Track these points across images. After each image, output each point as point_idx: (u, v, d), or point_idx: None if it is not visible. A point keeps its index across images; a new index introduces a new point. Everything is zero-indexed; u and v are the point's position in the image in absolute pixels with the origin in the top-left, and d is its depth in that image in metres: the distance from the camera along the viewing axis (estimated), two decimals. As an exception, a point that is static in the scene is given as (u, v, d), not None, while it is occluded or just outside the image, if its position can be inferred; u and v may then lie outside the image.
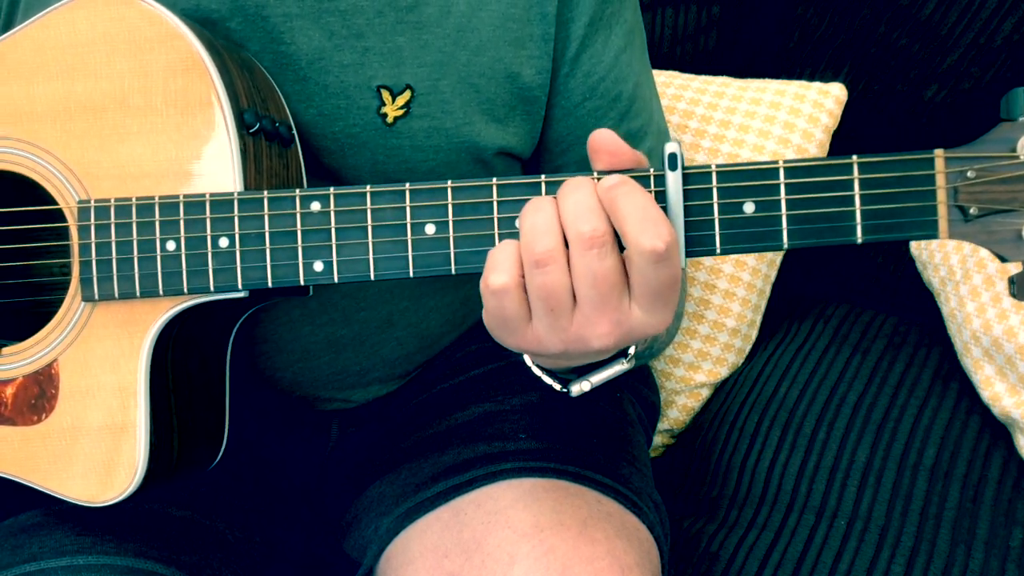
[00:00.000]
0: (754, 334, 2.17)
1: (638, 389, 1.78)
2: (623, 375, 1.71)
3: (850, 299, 2.26)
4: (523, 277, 1.09)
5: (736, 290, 2.09)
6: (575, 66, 1.51)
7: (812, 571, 1.68)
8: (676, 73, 2.29)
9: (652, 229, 1.04)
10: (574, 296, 1.08)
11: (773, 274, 2.16)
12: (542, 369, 1.27)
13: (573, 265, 1.07)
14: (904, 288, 2.26)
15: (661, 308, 1.09)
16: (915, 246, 2.09)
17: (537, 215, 1.08)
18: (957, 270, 1.96)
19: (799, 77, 2.33)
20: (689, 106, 2.18)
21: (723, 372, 2.14)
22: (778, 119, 2.12)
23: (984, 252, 1.91)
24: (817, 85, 2.18)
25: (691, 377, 2.13)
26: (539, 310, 1.09)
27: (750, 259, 2.09)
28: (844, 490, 1.78)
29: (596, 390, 1.61)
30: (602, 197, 1.08)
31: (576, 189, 1.09)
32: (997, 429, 1.88)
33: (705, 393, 2.14)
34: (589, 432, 1.55)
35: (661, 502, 1.55)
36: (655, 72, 2.24)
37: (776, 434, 1.90)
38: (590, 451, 1.50)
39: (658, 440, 2.15)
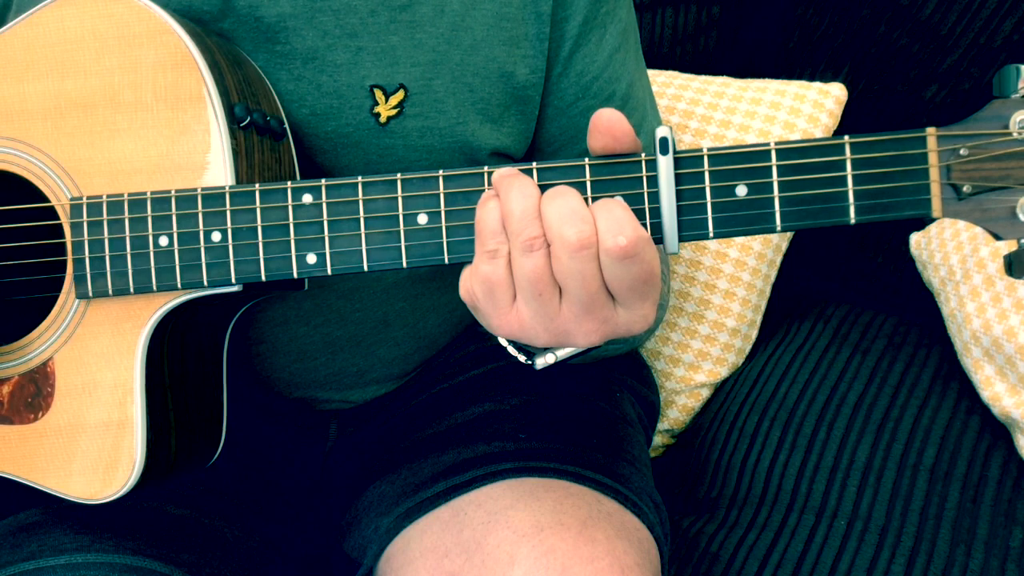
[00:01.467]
0: (754, 334, 2.17)
1: (638, 389, 1.78)
2: (618, 373, 1.73)
3: (850, 299, 2.26)
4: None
5: (736, 290, 2.09)
6: (568, 65, 1.51)
7: (812, 571, 1.68)
8: (676, 73, 2.29)
9: (615, 228, 1.06)
10: (559, 286, 1.09)
11: (773, 274, 2.16)
12: (508, 341, 1.27)
13: (560, 267, 1.08)
14: (904, 288, 2.26)
15: (640, 303, 1.11)
16: (915, 246, 2.09)
17: (526, 201, 1.09)
18: (957, 270, 1.96)
19: (799, 77, 2.33)
20: (689, 106, 2.18)
21: (723, 372, 2.13)
22: (778, 119, 2.12)
23: (984, 252, 1.91)
24: (817, 85, 2.18)
25: (691, 377, 2.13)
26: (527, 294, 1.10)
27: (750, 259, 2.09)
28: (844, 490, 1.78)
29: (595, 389, 1.63)
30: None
31: (561, 195, 1.10)
32: (997, 429, 1.88)
33: (705, 393, 2.14)
34: (589, 432, 1.55)
35: (661, 502, 1.55)
36: (656, 72, 2.25)
37: (776, 434, 1.90)
38: (590, 451, 1.50)
39: (658, 440, 2.15)
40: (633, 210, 1.10)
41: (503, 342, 1.26)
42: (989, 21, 2.13)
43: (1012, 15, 2.10)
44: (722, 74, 2.32)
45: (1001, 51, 2.12)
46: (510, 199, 1.09)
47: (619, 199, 1.10)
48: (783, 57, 2.43)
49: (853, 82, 2.29)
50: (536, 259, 1.08)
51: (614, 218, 1.06)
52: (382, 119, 1.42)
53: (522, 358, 1.27)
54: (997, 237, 1.08)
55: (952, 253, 1.98)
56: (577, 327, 1.11)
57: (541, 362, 1.23)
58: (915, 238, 2.10)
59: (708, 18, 2.45)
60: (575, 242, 1.06)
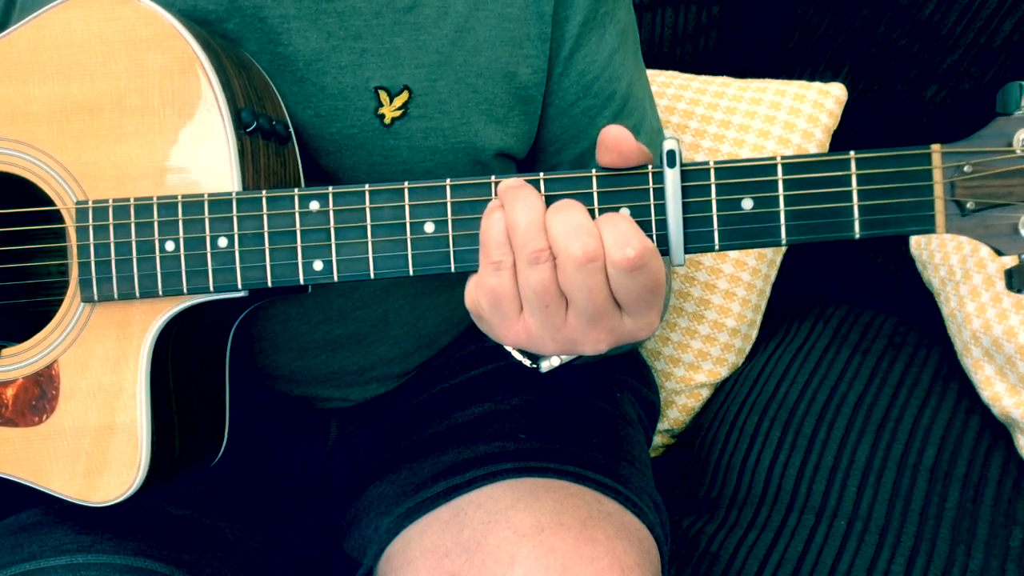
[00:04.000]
0: (754, 334, 2.17)
1: (638, 389, 1.78)
2: (618, 373, 1.73)
3: (850, 299, 2.26)
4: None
5: (736, 290, 2.09)
6: (569, 65, 1.52)
7: (812, 571, 1.68)
8: (676, 73, 2.29)
9: (622, 240, 1.06)
10: (566, 297, 1.10)
11: (773, 274, 2.16)
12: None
13: (566, 280, 1.08)
14: (904, 288, 2.27)
15: (647, 312, 1.11)
16: (915, 246, 2.10)
17: (532, 214, 1.09)
18: (957, 270, 1.96)
19: (799, 77, 2.33)
20: (689, 106, 2.18)
21: (723, 372, 2.14)
22: (778, 119, 2.12)
23: (984, 252, 1.91)
24: (817, 85, 2.18)
25: (691, 377, 2.13)
26: (533, 305, 1.10)
27: (750, 259, 2.09)
28: (844, 490, 1.78)
29: (595, 390, 1.63)
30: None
31: (566, 208, 1.10)
32: (997, 429, 1.88)
33: (705, 393, 2.14)
34: (589, 432, 1.55)
35: (661, 502, 1.55)
36: (656, 72, 2.25)
37: (776, 434, 1.90)
38: (590, 451, 1.50)
39: (658, 440, 2.15)
40: (639, 222, 1.11)
41: (507, 347, 1.26)
42: (989, 21, 2.13)
43: (1012, 15, 2.10)
44: (722, 74, 2.32)
45: (1001, 51, 2.12)
46: (515, 211, 1.10)
47: (624, 212, 1.11)
48: (783, 57, 2.43)
49: (853, 82, 2.29)
50: (542, 271, 1.08)
51: (620, 231, 1.07)
52: (386, 120, 1.42)
53: (527, 362, 1.27)
54: (999, 253, 1.09)
55: (952, 253, 1.98)
56: (584, 337, 1.11)
57: (546, 365, 1.24)
58: (915, 238, 2.11)
59: (708, 18, 2.45)
60: (581, 256, 1.06)
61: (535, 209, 1.09)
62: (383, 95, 1.42)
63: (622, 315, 1.11)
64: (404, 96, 1.43)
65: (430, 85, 1.44)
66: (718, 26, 2.47)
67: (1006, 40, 2.12)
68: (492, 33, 1.46)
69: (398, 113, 1.43)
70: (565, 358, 1.24)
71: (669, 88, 2.22)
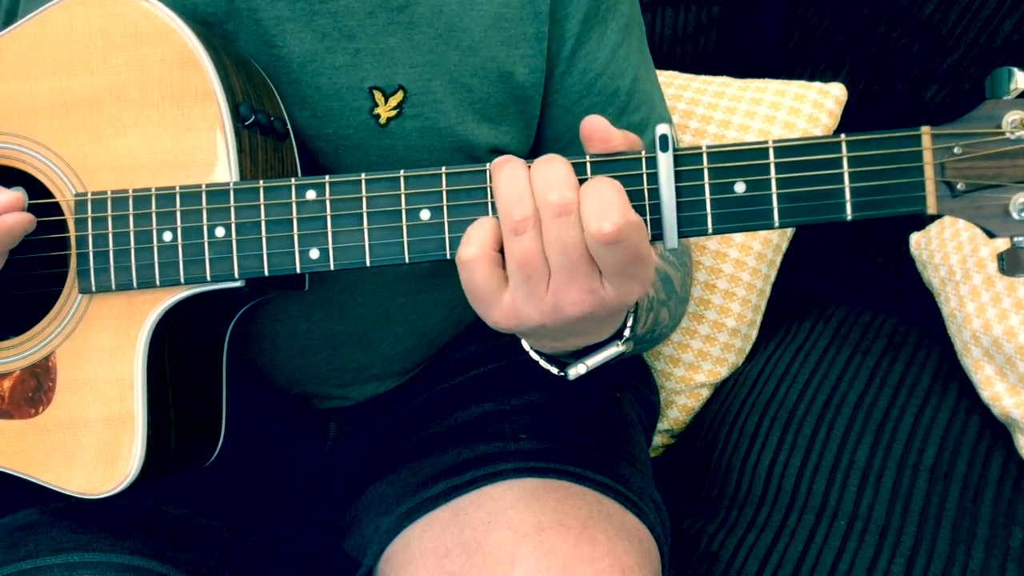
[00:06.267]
0: (754, 334, 2.17)
1: (638, 389, 1.78)
2: (618, 373, 1.72)
3: (850, 299, 2.26)
4: (495, 251, 1.12)
5: (736, 290, 2.09)
6: (571, 64, 1.52)
7: (812, 571, 1.68)
8: (676, 73, 2.29)
9: (602, 212, 1.06)
10: (549, 267, 1.10)
11: (773, 274, 2.16)
12: (539, 354, 1.28)
13: (544, 233, 1.09)
14: (904, 288, 2.27)
15: (628, 282, 1.11)
16: (915, 246, 2.10)
17: (512, 183, 1.10)
18: (957, 270, 1.96)
19: (799, 77, 2.33)
20: (689, 106, 2.18)
21: (723, 372, 2.13)
22: (778, 119, 2.12)
23: (984, 252, 1.91)
24: (817, 85, 2.18)
25: (691, 377, 2.12)
26: (517, 278, 1.11)
27: (750, 259, 2.09)
28: (844, 490, 1.78)
29: (595, 390, 1.62)
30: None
31: (549, 162, 1.11)
32: (997, 429, 1.88)
33: (705, 393, 2.14)
34: (589, 432, 1.55)
35: (661, 502, 1.55)
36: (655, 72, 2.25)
37: (776, 434, 1.90)
38: (590, 451, 1.50)
39: (658, 440, 2.15)
40: (634, 206, 1.11)
41: (533, 355, 1.28)
42: (989, 21, 2.13)
43: (1012, 15, 2.10)
44: (722, 74, 2.32)
45: (1001, 51, 2.12)
46: (498, 181, 1.11)
47: (615, 181, 1.10)
48: (783, 57, 2.43)
49: (853, 82, 2.29)
50: (524, 241, 1.09)
51: (603, 201, 1.07)
52: (382, 120, 1.43)
53: (554, 370, 1.28)
54: (990, 234, 1.10)
55: (952, 253, 1.98)
56: (564, 298, 1.11)
57: (573, 372, 1.25)
58: (915, 238, 2.11)
59: (708, 18, 2.45)
60: (555, 207, 1.07)
61: (516, 178, 1.10)
62: (378, 95, 1.42)
63: (601, 279, 1.11)
64: (399, 96, 1.43)
65: (425, 84, 1.44)
66: (718, 26, 2.47)
67: (1006, 40, 2.12)
68: (487, 33, 1.46)
69: (393, 113, 1.43)
70: (591, 364, 1.24)
71: (669, 88, 2.22)
